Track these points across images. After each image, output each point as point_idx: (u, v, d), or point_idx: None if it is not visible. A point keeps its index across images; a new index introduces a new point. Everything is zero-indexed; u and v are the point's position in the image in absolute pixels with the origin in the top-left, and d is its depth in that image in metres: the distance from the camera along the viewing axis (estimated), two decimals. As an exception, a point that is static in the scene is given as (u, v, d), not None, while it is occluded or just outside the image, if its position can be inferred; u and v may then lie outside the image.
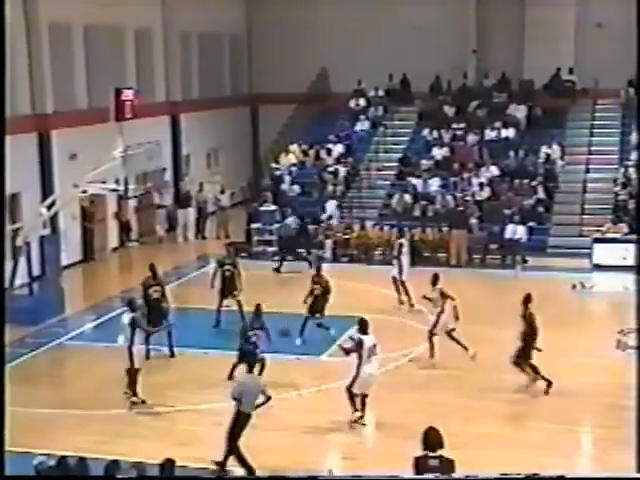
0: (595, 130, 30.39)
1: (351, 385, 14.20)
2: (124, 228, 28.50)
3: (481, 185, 27.81)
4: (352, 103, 33.29)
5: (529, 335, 15.48)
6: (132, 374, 15.05)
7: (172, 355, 17.60)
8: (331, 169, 29.92)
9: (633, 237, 24.22)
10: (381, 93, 33.53)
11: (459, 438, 13.45)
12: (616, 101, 30.99)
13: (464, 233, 25.46)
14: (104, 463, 10.40)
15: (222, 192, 31.21)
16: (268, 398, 12.57)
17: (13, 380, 14.66)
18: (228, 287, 19.48)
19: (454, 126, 31.10)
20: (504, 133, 30.34)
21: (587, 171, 28.76)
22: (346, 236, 26.50)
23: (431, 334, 17.25)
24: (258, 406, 12.56)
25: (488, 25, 33.39)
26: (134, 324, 15.01)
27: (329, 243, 26.41)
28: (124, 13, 27.80)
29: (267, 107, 36.10)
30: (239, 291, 19.40)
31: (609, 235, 24.80)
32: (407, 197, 27.94)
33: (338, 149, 30.97)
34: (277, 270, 24.79)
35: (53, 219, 23.16)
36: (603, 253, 24.35)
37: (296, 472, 11.89)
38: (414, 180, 28.62)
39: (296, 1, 34.85)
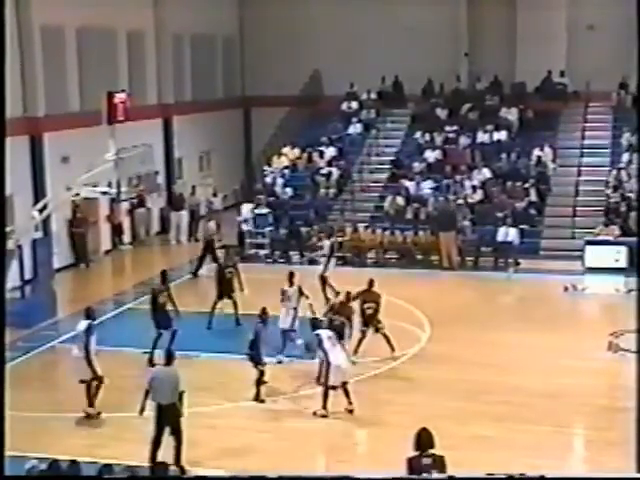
0: (587, 133, 30.45)
1: (326, 379, 14.51)
2: (116, 231, 28.48)
3: (473, 188, 27.86)
4: (344, 106, 33.30)
5: None
6: (91, 384, 14.74)
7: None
8: (324, 172, 29.93)
9: (625, 239, 24.31)
10: (373, 96, 33.54)
11: (450, 440, 13.48)
12: (608, 104, 31.07)
13: (453, 236, 25.47)
14: (97, 467, 10.38)
15: (215, 195, 31.20)
16: (181, 393, 12.57)
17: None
18: (226, 288, 19.63)
19: (446, 129, 31.13)
20: (496, 136, 30.38)
21: (579, 174, 28.82)
22: (339, 239, 26.48)
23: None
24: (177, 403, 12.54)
25: (480, 28, 33.45)
26: (89, 332, 14.77)
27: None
28: (116, 15, 27.75)
29: (260, 109, 36.08)
30: (236, 292, 19.69)
31: (601, 237, 24.87)
32: (399, 200, 27.95)
33: (330, 152, 30.97)
34: (194, 274, 24.76)
35: (45, 222, 23.12)
36: (595, 255, 24.40)
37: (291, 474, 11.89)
38: (406, 183, 28.64)
39: (289, 3, 34.83)
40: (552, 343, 18.11)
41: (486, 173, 28.51)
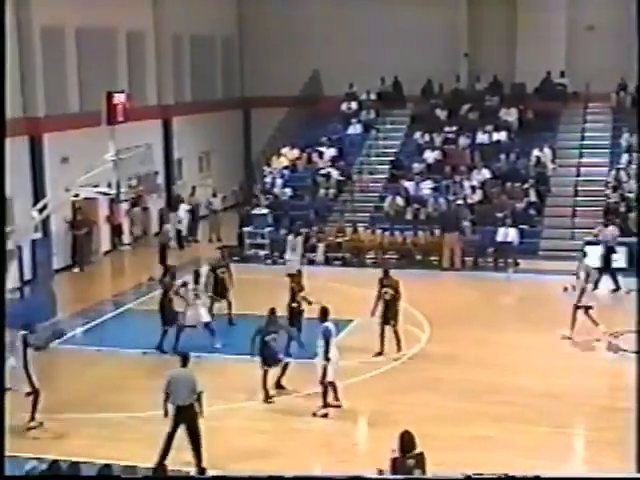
0: (586, 133, 30.45)
1: (324, 376, 14.52)
2: (116, 231, 28.48)
3: (473, 188, 27.86)
4: (344, 106, 33.30)
5: None
6: (35, 396, 14.53)
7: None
8: (323, 172, 29.93)
9: (624, 239, 24.29)
10: (373, 96, 33.54)
11: (450, 440, 13.54)
12: (607, 104, 31.08)
13: (457, 236, 25.50)
14: (97, 467, 10.38)
15: (214, 195, 31.21)
16: (199, 394, 12.66)
17: (4, 384, 14.63)
18: (221, 289, 19.65)
19: (446, 129, 31.13)
20: (496, 136, 30.38)
21: (578, 174, 28.83)
22: (338, 239, 26.52)
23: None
24: (195, 404, 12.62)
25: (480, 28, 33.45)
26: (26, 342, 14.57)
27: (321, 246, 26.42)
28: (116, 16, 27.77)
29: (259, 110, 36.09)
30: (230, 292, 19.70)
31: (600, 238, 24.82)
32: (399, 200, 27.95)
33: (330, 152, 30.97)
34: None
35: (45, 223, 23.12)
36: (594, 256, 24.34)
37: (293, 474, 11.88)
38: (406, 183, 28.65)
39: (288, 3, 34.85)
40: (552, 343, 18.10)
41: (485, 173, 28.51)
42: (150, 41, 30.97)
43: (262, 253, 27.16)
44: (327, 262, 26.15)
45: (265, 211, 28.23)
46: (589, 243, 24.12)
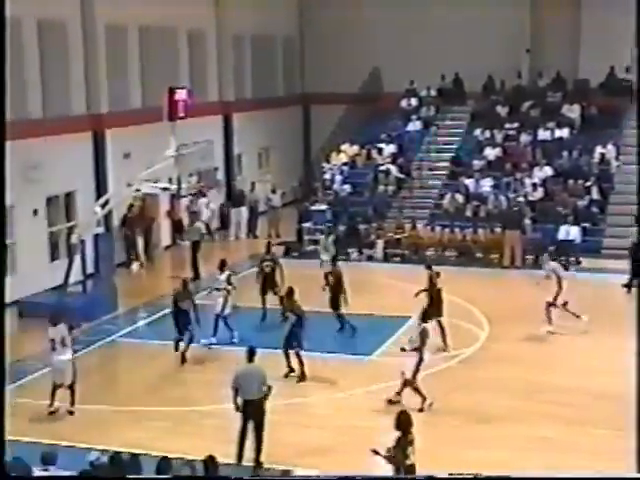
0: (652, 130, 29.86)
1: (415, 375, 14.51)
2: (176, 227, 28.73)
3: (534, 185, 27.55)
4: (404, 103, 33.18)
5: None
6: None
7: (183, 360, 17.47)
8: (383, 168, 29.87)
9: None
10: (433, 93, 33.36)
11: (508, 440, 13.42)
12: (674, 100, 30.43)
13: (518, 234, 25.24)
14: (156, 460, 10.50)
15: (273, 191, 31.33)
16: (269, 388, 12.80)
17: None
18: (268, 282, 19.77)
19: (507, 126, 30.84)
20: (558, 133, 29.99)
21: (643, 171, 28.28)
22: (397, 236, 26.45)
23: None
24: (264, 397, 12.74)
25: (543, 24, 33.01)
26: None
27: (380, 243, 26.38)
28: (178, 15, 28.05)
29: (319, 107, 36.14)
30: (280, 287, 19.55)
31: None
32: (459, 197, 27.78)
33: (390, 149, 30.90)
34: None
35: (107, 218, 23.45)
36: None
37: (340, 472, 11.86)
38: (466, 180, 28.46)
39: (347, 2, 34.84)
40: (612, 343, 17.81)
41: (547, 171, 28.17)
42: (211, 40, 31.20)
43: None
44: (386, 259, 26.11)
45: (324, 207, 28.27)
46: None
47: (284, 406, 14.55)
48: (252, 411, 12.66)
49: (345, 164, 30.87)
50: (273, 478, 12.56)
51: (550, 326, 18.77)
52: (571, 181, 27.48)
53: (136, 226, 26.09)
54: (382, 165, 30.09)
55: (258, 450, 12.70)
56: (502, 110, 31.72)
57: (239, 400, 12.76)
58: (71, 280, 21.07)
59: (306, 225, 27.99)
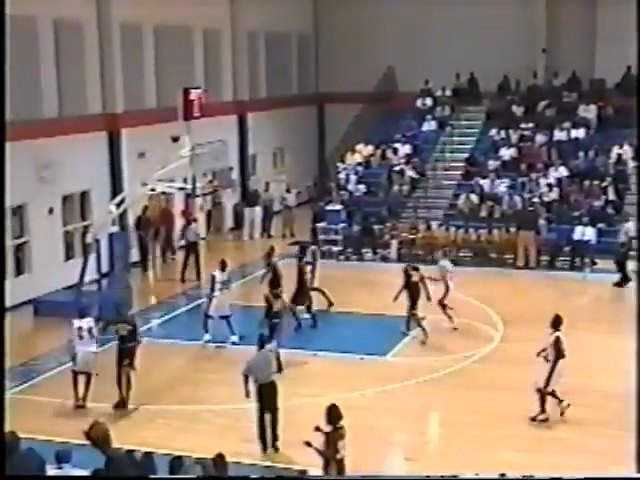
0: (669, 130, 29.68)
1: (547, 384, 14.26)
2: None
3: (549, 186, 27.43)
4: (419, 102, 33.12)
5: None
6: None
7: None
8: (397, 169, 29.82)
9: None
10: (448, 93, 33.27)
11: (523, 441, 13.37)
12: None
13: (532, 235, 25.13)
14: (169, 458, 10.50)
15: (288, 191, 31.33)
16: (279, 368, 13.47)
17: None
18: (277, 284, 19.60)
19: (522, 126, 30.71)
20: (574, 133, 29.85)
21: (659, 172, 28.12)
22: (412, 236, 26.39)
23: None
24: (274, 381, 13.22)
25: (558, 23, 32.88)
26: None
27: (394, 243, 26.34)
28: (193, 14, 28.11)
29: (334, 106, 36.11)
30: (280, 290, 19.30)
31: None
32: (474, 197, 27.70)
33: (405, 149, 30.84)
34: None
35: (122, 217, 23.52)
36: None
37: (351, 473, 11.83)
38: (481, 180, 28.37)
39: (363, 0, 34.80)
40: (626, 345, 17.67)
41: (563, 171, 28.05)
42: (226, 38, 31.25)
43: (335, 249, 27.18)
44: (400, 259, 26.05)
45: (339, 207, 28.25)
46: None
47: (295, 407, 14.54)
48: (266, 393, 13.11)
49: (360, 164, 30.84)
50: (276, 478, 12.50)
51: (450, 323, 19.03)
52: (587, 182, 27.35)
53: (150, 228, 26.11)
54: (397, 165, 30.05)
55: (274, 433, 13.18)
56: (517, 110, 31.61)
57: (251, 386, 13.13)
58: (86, 279, 21.14)
59: (320, 225, 27.97)
